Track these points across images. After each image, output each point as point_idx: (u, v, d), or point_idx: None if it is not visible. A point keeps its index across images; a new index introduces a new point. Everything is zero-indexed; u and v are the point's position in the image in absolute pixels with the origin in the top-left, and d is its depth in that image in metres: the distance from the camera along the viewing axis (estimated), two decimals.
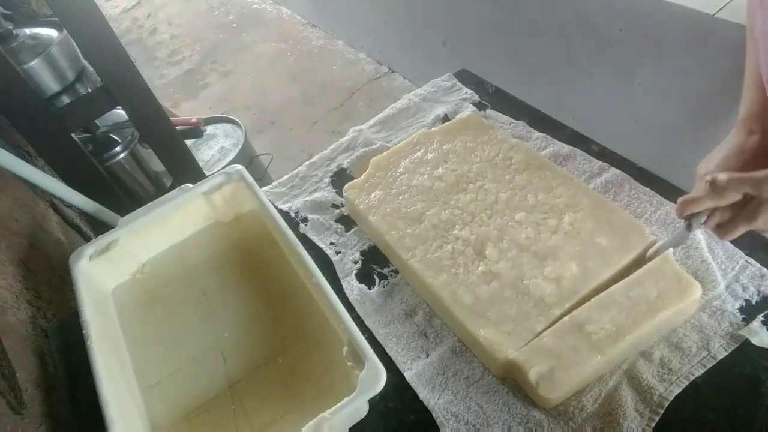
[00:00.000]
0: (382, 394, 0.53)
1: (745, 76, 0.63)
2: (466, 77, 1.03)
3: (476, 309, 0.62)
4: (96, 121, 1.28)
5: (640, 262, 0.64)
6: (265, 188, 0.90)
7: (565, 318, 0.58)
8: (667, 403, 0.54)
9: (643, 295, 0.59)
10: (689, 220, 0.58)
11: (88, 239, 1.15)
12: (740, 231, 0.55)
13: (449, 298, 0.63)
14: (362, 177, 0.82)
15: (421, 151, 0.83)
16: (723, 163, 0.58)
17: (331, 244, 0.79)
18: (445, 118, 0.94)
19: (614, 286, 0.60)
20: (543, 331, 0.59)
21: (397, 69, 2.54)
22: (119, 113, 1.32)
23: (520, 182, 0.75)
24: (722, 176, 0.53)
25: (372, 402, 0.59)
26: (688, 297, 0.58)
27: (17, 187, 0.99)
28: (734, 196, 0.53)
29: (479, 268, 0.65)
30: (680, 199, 0.57)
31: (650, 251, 0.64)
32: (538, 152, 0.81)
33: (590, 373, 0.56)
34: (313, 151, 1.03)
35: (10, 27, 1.17)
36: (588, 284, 0.62)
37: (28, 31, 1.17)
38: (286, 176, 0.92)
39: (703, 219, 0.57)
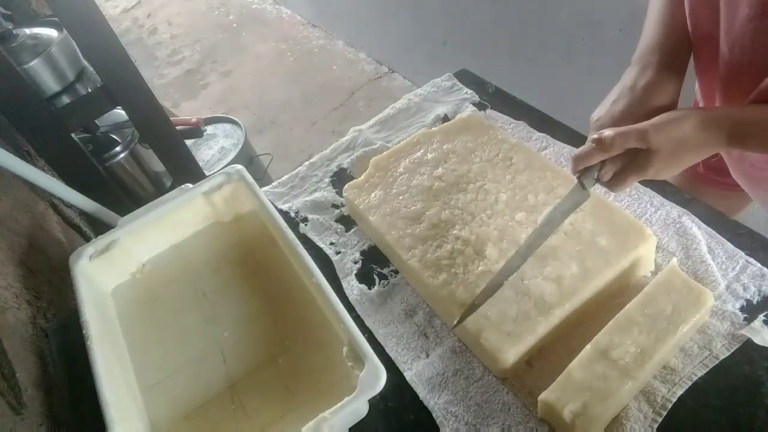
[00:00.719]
0: (382, 394, 0.53)
1: (648, 16, 0.62)
2: (466, 77, 1.03)
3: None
4: (96, 121, 1.28)
5: (639, 262, 0.64)
6: (265, 188, 0.90)
7: (588, 346, 0.56)
8: (670, 405, 0.54)
9: (659, 311, 0.58)
10: (580, 178, 0.58)
11: (88, 239, 1.15)
12: (631, 182, 0.55)
13: (448, 298, 0.63)
14: (362, 177, 0.82)
15: (421, 151, 0.83)
16: (613, 106, 0.57)
17: (331, 244, 0.79)
18: (445, 118, 0.94)
19: (629, 306, 0.59)
20: (544, 331, 0.59)
21: (397, 69, 2.54)
22: (119, 113, 1.32)
23: (521, 182, 0.74)
24: (607, 132, 0.52)
25: (372, 402, 0.59)
26: (702, 306, 0.57)
27: (17, 187, 0.99)
28: (621, 149, 0.53)
29: (479, 268, 0.65)
30: (572, 156, 0.56)
31: (543, 216, 0.62)
32: (538, 152, 0.81)
33: (624, 401, 0.54)
34: (313, 151, 1.03)
35: (10, 27, 1.17)
36: (588, 284, 0.61)
37: (28, 31, 1.17)
38: (286, 176, 0.92)
39: (595, 174, 0.56)
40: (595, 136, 0.53)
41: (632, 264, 0.64)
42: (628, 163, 0.54)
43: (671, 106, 0.56)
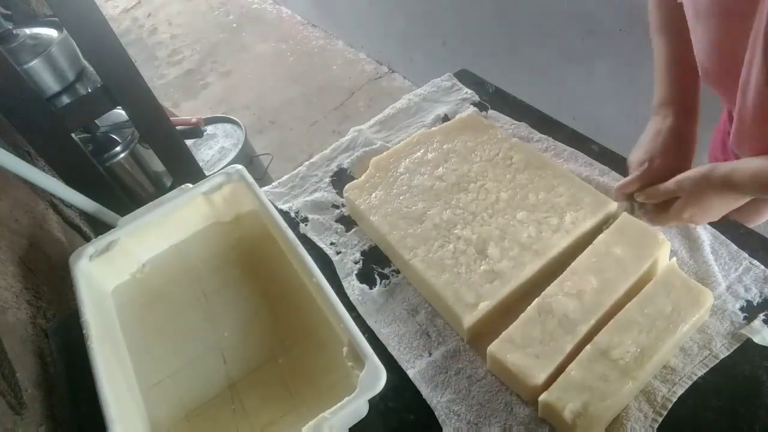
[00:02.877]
0: (382, 394, 0.53)
1: (658, 64, 0.68)
2: (466, 77, 1.03)
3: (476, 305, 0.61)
4: (96, 121, 1.28)
5: (654, 267, 0.64)
6: (265, 188, 0.90)
7: (588, 347, 0.56)
8: (670, 405, 0.54)
9: (659, 310, 0.58)
10: (632, 204, 0.68)
11: (88, 239, 1.15)
12: (671, 224, 0.66)
13: (452, 298, 0.63)
14: (363, 177, 0.81)
15: (422, 151, 0.83)
16: (646, 152, 0.66)
17: (332, 244, 0.79)
18: (445, 118, 0.94)
19: (628, 305, 0.59)
20: (571, 349, 0.57)
21: (397, 69, 2.54)
22: (119, 113, 1.32)
23: (521, 181, 0.74)
24: (641, 197, 0.65)
25: (372, 402, 0.59)
26: (701, 305, 0.57)
27: (17, 187, 0.99)
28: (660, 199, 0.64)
29: (482, 268, 0.65)
30: (617, 186, 0.68)
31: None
32: (538, 152, 0.80)
33: (624, 401, 0.54)
34: (313, 151, 1.03)
35: (10, 27, 1.17)
36: (610, 296, 0.60)
37: (28, 31, 1.17)
38: (286, 176, 0.92)
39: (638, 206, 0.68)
40: (640, 199, 0.66)
41: (648, 270, 0.63)
42: (669, 206, 0.63)
43: (692, 149, 0.65)
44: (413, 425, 0.59)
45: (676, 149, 0.65)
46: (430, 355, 0.63)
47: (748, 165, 0.55)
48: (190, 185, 0.79)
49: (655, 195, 0.64)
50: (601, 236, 0.66)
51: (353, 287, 0.72)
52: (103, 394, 0.55)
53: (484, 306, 0.62)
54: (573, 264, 0.64)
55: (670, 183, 0.62)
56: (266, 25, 3.20)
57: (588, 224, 0.68)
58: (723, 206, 0.62)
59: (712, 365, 0.56)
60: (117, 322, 0.70)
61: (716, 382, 0.55)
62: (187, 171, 1.32)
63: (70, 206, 1.16)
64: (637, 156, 0.67)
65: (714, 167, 0.58)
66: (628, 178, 0.66)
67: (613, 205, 0.69)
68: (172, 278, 0.76)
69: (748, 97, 0.54)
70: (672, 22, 0.65)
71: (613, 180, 0.77)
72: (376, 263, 0.75)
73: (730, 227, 0.68)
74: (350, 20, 2.64)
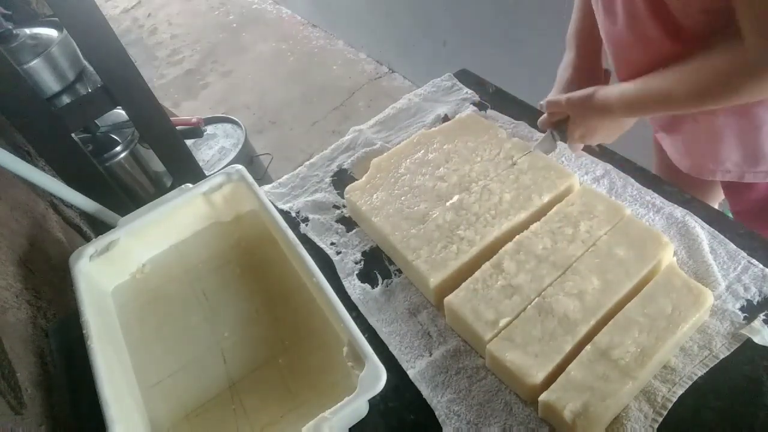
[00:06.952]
0: (383, 394, 0.53)
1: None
2: (466, 77, 1.03)
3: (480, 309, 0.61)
4: (96, 121, 1.28)
5: (656, 268, 0.63)
6: (266, 188, 0.90)
7: (588, 346, 0.56)
8: (670, 405, 0.54)
9: (659, 310, 0.57)
10: (552, 132, 0.77)
11: (88, 239, 1.15)
12: (578, 146, 0.76)
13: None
14: (363, 178, 0.81)
15: (422, 151, 0.83)
16: (558, 84, 0.75)
17: (332, 244, 0.79)
18: (446, 118, 0.94)
19: (628, 305, 0.59)
20: (570, 349, 0.57)
21: (397, 69, 2.54)
22: (119, 113, 1.32)
23: (525, 182, 0.74)
24: (543, 102, 0.73)
25: (372, 402, 0.59)
26: (701, 305, 0.57)
27: (17, 187, 0.99)
28: (559, 114, 0.73)
29: (498, 283, 0.64)
30: (539, 122, 0.77)
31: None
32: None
33: (624, 401, 0.54)
34: (313, 151, 1.03)
35: (10, 27, 1.17)
36: (611, 297, 0.60)
37: (28, 31, 1.18)
38: (287, 176, 0.92)
39: (557, 135, 0.76)
40: (541, 102, 0.75)
41: (651, 271, 0.63)
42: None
43: (598, 81, 0.72)
44: (413, 425, 0.59)
45: (581, 82, 0.71)
46: (431, 354, 0.63)
47: (615, 88, 0.63)
48: (190, 185, 0.79)
49: (552, 105, 0.71)
50: (604, 237, 0.65)
51: (354, 286, 0.72)
52: (103, 394, 0.55)
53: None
54: (575, 264, 0.63)
55: (562, 97, 0.69)
56: (266, 25, 3.20)
57: (604, 237, 0.66)
58: (609, 128, 0.70)
59: (712, 365, 0.56)
60: (117, 322, 0.70)
61: (716, 382, 0.55)
62: (187, 171, 1.32)
63: (70, 206, 1.16)
64: (553, 93, 0.73)
65: (597, 89, 0.65)
66: (545, 114, 0.75)
67: (621, 210, 0.69)
68: (172, 278, 0.76)
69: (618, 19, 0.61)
70: None
71: (616, 177, 0.77)
72: (376, 264, 0.75)
73: (728, 226, 0.68)
74: (350, 20, 2.64)
